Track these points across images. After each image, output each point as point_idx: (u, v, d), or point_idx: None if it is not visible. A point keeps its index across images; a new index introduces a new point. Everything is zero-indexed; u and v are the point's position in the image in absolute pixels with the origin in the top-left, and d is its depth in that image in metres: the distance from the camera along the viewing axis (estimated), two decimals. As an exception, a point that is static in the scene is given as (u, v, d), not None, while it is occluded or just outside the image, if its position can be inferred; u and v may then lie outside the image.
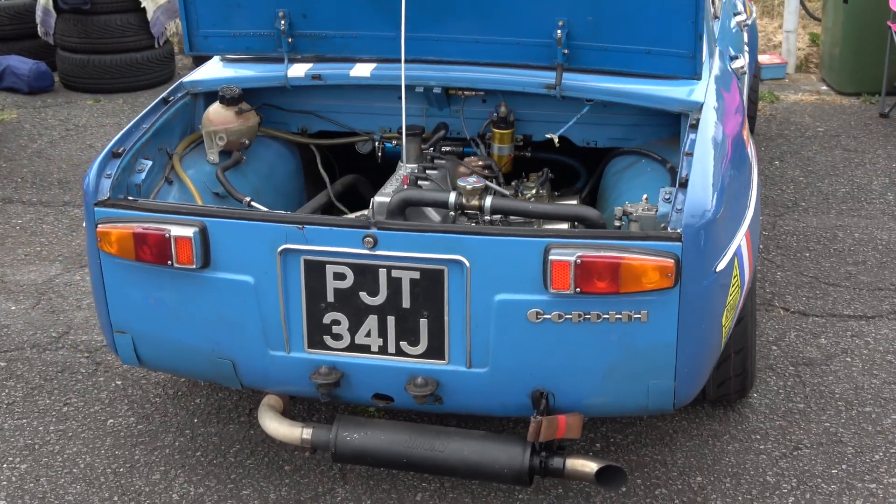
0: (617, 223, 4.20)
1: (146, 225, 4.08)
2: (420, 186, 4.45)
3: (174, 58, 10.62)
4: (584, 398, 4.11)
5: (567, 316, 3.96)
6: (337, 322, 4.14)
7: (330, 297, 4.11)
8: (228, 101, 4.76)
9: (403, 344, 4.12)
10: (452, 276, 4.00)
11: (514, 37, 4.66)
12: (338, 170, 5.36)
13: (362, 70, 4.82)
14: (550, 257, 3.85)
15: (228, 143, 4.76)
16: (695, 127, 4.38)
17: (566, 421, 4.08)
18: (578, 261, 3.85)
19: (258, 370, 4.26)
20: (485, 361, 4.07)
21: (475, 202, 4.26)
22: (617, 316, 3.95)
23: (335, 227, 4.01)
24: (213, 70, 5.06)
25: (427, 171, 4.60)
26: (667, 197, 4.10)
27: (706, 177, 4.06)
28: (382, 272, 4.04)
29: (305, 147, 5.26)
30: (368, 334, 4.13)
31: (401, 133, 4.69)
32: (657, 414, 4.76)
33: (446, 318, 4.06)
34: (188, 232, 4.06)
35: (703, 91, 4.67)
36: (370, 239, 3.98)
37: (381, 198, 4.41)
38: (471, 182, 4.26)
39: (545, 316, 3.96)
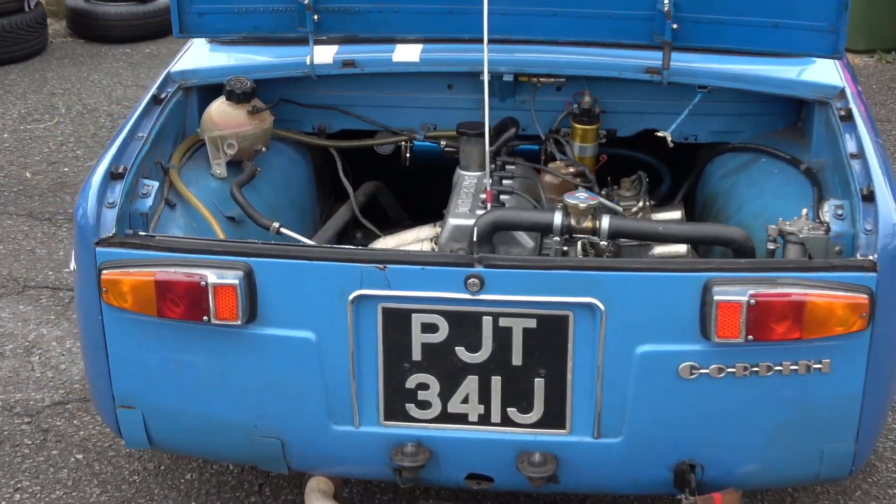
0: (771, 246, 3.58)
1: (173, 270, 3.31)
2: (503, 203, 3.77)
3: (47, 24, 9.44)
4: (741, 468, 3.47)
5: (730, 370, 3.31)
6: (424, 386, 3.42)
7: (416, 355, 3.39)
8: (239, 98, 3.95)
9: (512, 411, 3.42)
10: (580, 324, 3.32)
11: (602, 8, 3.99)
12: (351, 176, 4.63)
13: (407, 53, 4.07)
14: (715, 297, 3.20)
15: (239, 151, 3.98)
16: (848, 119, 3.78)
17: (722, 500, 3.48)
18: (752, 301, 3.20)
19: (315, 450, 3.49)
20: (618, 430, 3.40)
21: (588, 224, 3.58)
22: (793, 367, 3.32)
23: (428, 266, 3.30)
24: (205, 56, 4.21)
25: (503, 182, 3.91)
26: (840, 213, 3.49)
27: (890, 186, 3.47)
28: (487, 321, 3.34)
29: (317, 149, 4.51)
30: (466, 400, 3.42)
31: (458, 131, 4.02)
32: (828, 482, 4.15)
33: (569, 376, 3.38)
34: (231, 278, 3.29)
35: (836, 72, 4.08)
36: (476, 281, 3.27)
37: (459, 220, 3.70)
38: (582, 198, 3.58)
39: (702, 370, 3.31)
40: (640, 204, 4.05)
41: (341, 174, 4.37)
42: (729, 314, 3.18)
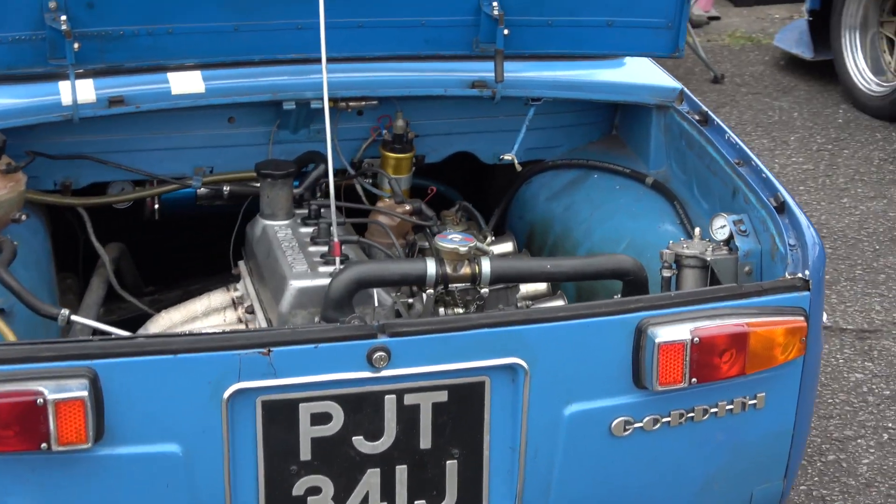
0: (666, 273, 3.42)
1: None
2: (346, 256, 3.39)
3: None
4: (672, 528, 3.35)
5: (665, 419, 3.14)
6: (315, 490, 2.97)
7: (305, 454, 2.95)
8: (-13, 155, 3.37)
9: None
10: (498, 389, 3.02)
11: (416, 16, 3.70)
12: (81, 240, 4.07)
13: (188, 83, 3.59)
14: (655, 340, 3.01)
15: (-6, 223, 3.39)
16: (705, 122, 3.70)
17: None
18: (695, 339, 3.04)
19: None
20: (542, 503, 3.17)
21: (466, 270, 3.28)
22: (728, 407, 3.18)
23: (322, 343, 2.89)
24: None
25: (328, 229, 3.52)
26: (742, 229, 3.38)
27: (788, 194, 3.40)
28: (390, 401, 2.96)
29: (54, 211, 3.93)
30: (366, 500, 3.05)
31: (261, 172, 3.58)
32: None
33: (486, 452, 3.06)
34: (75, 389, 2.75)
35: (661, 71, 4.01)
36: (383, 354, 2.91)
37: (303, 281, 3.29)
38: (458, 241, 3.26)
39: (636, 425, 3.13)
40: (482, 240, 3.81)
41: (93, 238, 3.83)
42: (671, 357, 2.99)
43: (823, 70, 8.74)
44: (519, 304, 3.45)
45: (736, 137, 3.53)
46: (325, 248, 3.41)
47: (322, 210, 3.61)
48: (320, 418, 2.90)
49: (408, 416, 2.95)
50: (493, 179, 4.26)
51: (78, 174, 3.78)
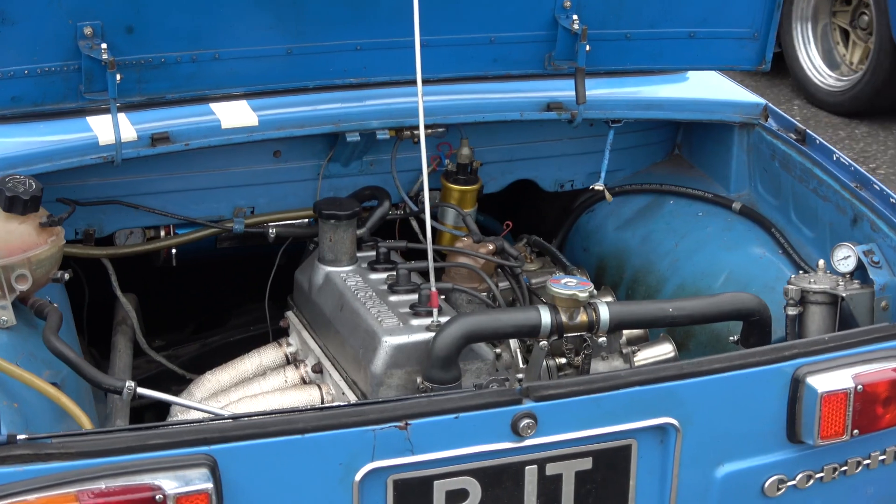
0: (792, 312, 3.27)
1: (106, 484, 2.47)
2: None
3: None
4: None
5: (818, 475, 3.01)
6: (448, 584, 2.81)
7: None
8: (25, 206, 3.08)
9: None
10: (645, 453, 2.84)
11: (485, 32, 3.52)
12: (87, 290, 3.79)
13: (239, 115, 3.34)
14: (818, 389, 2.86)
15: (34, 284, 3.11)
16: (803, 141, 3.57)
17: None
18: (859, 387, 2.91)
19: None
20: None
21: (582, 318, 3.10)
22: (881, 457, 3.07)
23: (463, 413, 2.69)
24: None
25: (408, 275, 3.30)
26: (875, 259, 3.25)
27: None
28: (531, 472, 2.75)
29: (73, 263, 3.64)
30: None
31: (322, 213, 3.34)
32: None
33: (630, 522, 2.93)
34: (198, 481, 2.51)
35: (738, 86, 3.88)
36: (530, 422, 2.72)
37: (399, 338, 3.09)
38: (575, 286, 3.07)
39: (789, 483, 2.99)
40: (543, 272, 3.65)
41: (118, 291, 3.58)
42: (833, 408, 2.87)
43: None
44: (624, 351, 3.29)
45: (846, 157, 3.42)
46: (408, 297, 3.21)
47: (391, 253, 3.40)
48: (456, 496, 2.71)
49: (550, 488, 2.76)
50: (543, 209, 4.08)
51: (101, 220, 3.49)
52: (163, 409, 3.32)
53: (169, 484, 2.44)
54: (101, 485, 2.42)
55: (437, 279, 3.44)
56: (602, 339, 3.09)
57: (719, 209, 3.69)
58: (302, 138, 3.45)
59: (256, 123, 3.31)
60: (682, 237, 3.66)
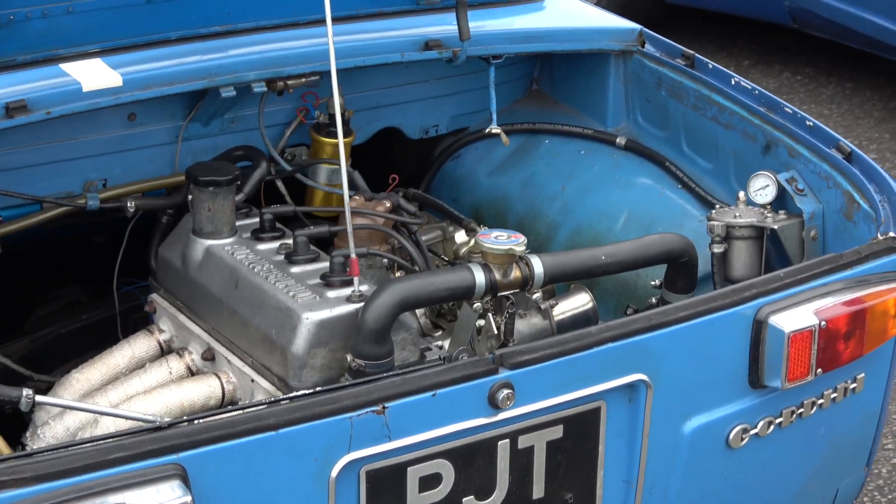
0: (718, 249, 3.28)
1: None
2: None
3: None
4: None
5: (777, 420, 3.03)
6: (420, 575, 2.70)
7: None
8: None
9: None
10: (614, 415, 2.80)
11: None
12: None
13: (100, 75, 3.10)
14: (785, 330, 2.87)
15: None
16: (693, 66, 3.56)
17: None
18: (822, 323, 2.94)
19: None
20: None
21: (516, 274, 3.01)
22: (833, 395, 3.11)
23: (441, 389, 2.58)
24: None
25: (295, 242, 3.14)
26: (801, 188, 3.28)
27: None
28: (503, 447, 2.67)
29: None
30: None
31: (199, 179, 3.16)
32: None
33: (598, 492, 2.87)
34: (172, 493, 2.33)
35: (604, 12, 3.86)
36: (509, 392, 2.63)
37: (322, 312, 2.93)
38: (506, 241, 2.97)
39: (752, 432, 3.00)
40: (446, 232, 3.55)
41: None
42: (801, 348, 2.89)
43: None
44: (543, 306, 3.24)
45: (746, 80, 3.44)
46: (312, 267, 3.07)
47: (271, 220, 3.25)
48: (429, 481, 2.62)
49: (521, 462, 2.69)
50: (398, 160, 3.98)
51: None
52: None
53: (142, 502, 2.28)
54: (68, 507, 2.25)
55: (333, 245, 3.33)
56: (537, 295, 3.05)
57: (601, 145, 3.67)
58: (160, 98, 3.26)
59: (121, 83, 3.08)
60: (568, 178, 3.63)
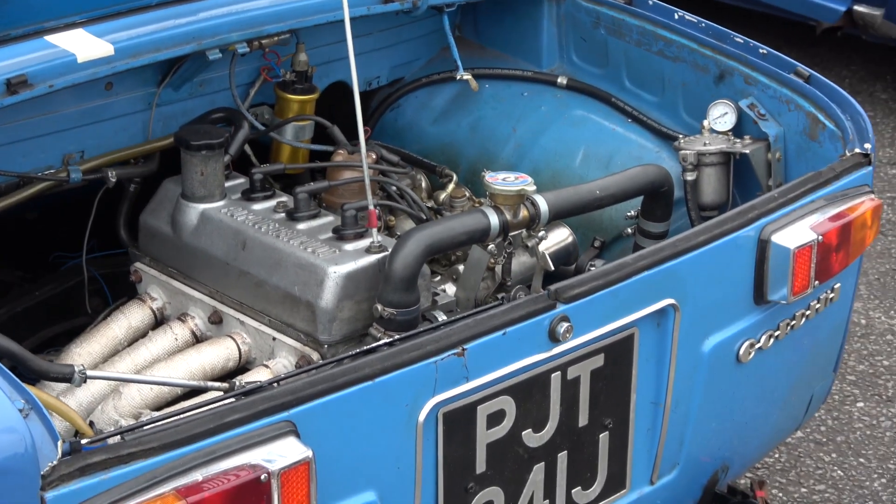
0: (690, 177, 3.37)
1: (215, 473, 2.23)
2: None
3: None
4: (757, 447, 3.39)
5: (776, 333, 3.16)
6: (489, 504, 2.75)
7: (480, 466, 2.67)
8: None
9: (576, 492, 2.88)
10: (645, 341, 2.88)
11: None
12: None
13: (88, 46, 3.01)
14: (790, 247, 2.97)
15: None
16: (630, 2, 3.64)
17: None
18: (819, 238, 3.06)
19: None
20: (674, 462, 3.02)
21: (524, 213, 3.05)
22: (817, 306, 3.25)
23: (510, 327, 2.61)
24: None
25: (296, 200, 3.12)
26: (762, 112, 3.39)
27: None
28: (556, 380, 2.72)
29: None
30: (531, 501, 2.82)
31: (190, 144, 3.12)
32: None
33: (632, 415, 2.93)
34: (292, 449, 2.30)
35: None
36: (567, 325, 2.68)
37: (346, 265, 2.91)
38: (515, 181, 3.00)
39: (757, 346, 3.11)
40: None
41: None
42: (803, 262, 3.02)
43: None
44: (529, 244, 3.30)
45: (690, 14, 3.55)
46: (319, 222, 3.08)
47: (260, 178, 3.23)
48: (495, 418, 2.67)
49: (570, 393, 2.77)
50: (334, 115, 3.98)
51: None
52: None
53: (268, 460, 2.28)
54: (198, 476, 2.24)
55: (322, 201, 3.33)
56: (542, 233, 3.12)
57: (543, 86, 3.74)
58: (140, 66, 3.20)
59: (113, 52, 3.04)
60: (518, 120, 3.70)
